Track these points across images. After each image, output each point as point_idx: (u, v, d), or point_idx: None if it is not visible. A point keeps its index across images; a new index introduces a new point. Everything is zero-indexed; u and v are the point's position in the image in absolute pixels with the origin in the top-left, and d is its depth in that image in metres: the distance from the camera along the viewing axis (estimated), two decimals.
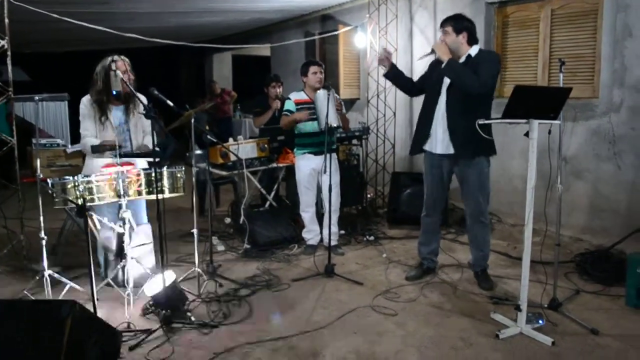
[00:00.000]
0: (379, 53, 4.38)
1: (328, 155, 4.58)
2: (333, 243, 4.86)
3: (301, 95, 4.99)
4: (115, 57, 4.04)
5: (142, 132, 4.24)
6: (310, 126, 4.86)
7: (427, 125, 4.10)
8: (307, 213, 5.09)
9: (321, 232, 5.13)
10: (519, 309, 3.38)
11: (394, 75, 4.33)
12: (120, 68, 3.99)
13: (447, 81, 3.96)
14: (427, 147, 4.16)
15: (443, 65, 3.87)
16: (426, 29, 6.66)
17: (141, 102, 3.81)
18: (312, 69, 4.91)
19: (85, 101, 4.08)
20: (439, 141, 4.06)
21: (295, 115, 4.87)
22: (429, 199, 4.33)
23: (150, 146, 3.71)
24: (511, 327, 3.42)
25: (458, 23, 3.93)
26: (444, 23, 3.99)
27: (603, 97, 4.91)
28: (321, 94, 4.55)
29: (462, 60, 3.94)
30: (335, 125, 4.64)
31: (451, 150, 4.01)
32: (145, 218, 4.39)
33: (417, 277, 4.38)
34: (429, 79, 4.17)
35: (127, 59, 4.08)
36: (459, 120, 3.91)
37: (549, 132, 3.64)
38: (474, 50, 3.95)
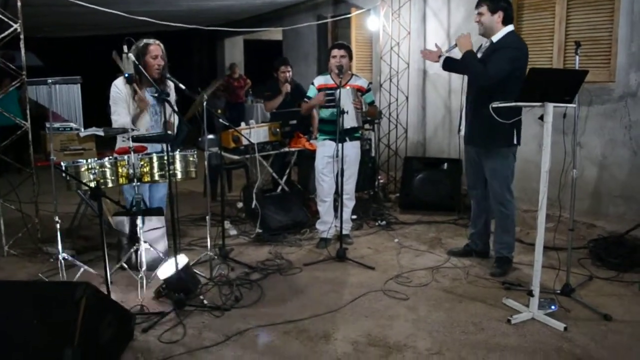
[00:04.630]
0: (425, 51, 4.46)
1: (348, 144, 4.65)
2: (345, 232, 4.81)
3: (326, 80, 4.84)
4: (150, 41, 4.04)
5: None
6: (330, 113, 4.72)
7: (463, 110, 4.21)
8: (324, 203, 4.91)
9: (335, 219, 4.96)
10: (532, 294, 3.37)
11: (451, 66, 4.32)
12: (153, 52, 4.01)
13: None
14: (460, 132, 4.28)
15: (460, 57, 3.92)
16: (440, 12, 6.58)
17: (155, 86, 3.81)
18: (333, 52, 4.73)
19: (118, 84, 4.05)
20: (464, 126, 4.20)
21: (312, 100, 4.81)
22: (468, 181, 4.44)
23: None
24: (523, 312, 3.41)
25: (494, 3, 3.89)
26: (479, 3, 3.95)
27: (619, 81, 4.83)
28: (343, 92, 4.46)
29: (487, 44, 3.95)
30: (355, 125, 4.64)
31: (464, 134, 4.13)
32: (164, 202, 4.41)
33: (458, 254, 4.51)
34: None
35: (161, 44, 4.08)
36: (475, 108, 3.95)
37: (564, 116, 3.59)
38: (498, 36, 3.92)
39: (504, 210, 4.13)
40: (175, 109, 3.96)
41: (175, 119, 4.18)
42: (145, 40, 4.03)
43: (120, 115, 4.04)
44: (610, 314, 3.39)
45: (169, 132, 3.81)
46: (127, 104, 4.04)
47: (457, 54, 4.07)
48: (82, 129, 4.45)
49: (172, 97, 4.19)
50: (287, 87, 6.03)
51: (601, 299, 3.68)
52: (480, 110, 3.76)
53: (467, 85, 4.13)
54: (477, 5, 3.99)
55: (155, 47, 4.04)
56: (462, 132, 4.24)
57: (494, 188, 4.11)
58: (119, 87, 4.05)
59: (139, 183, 3.81)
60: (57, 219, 3.94)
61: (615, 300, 3.68)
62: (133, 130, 3.81)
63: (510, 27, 3.94)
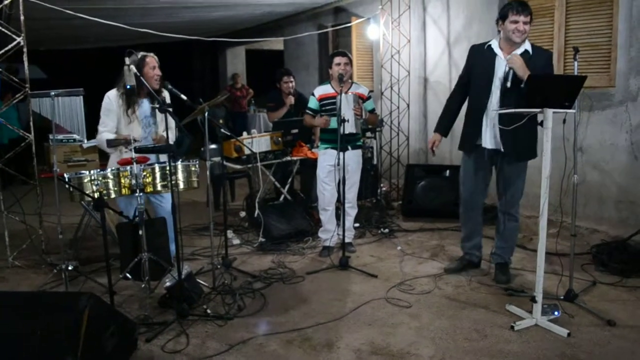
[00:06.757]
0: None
1: (350, 152, 4.64)
2: (347, 240, 4.82)
3: (327, 89, 4.82)
4: (146, 53, 4.11)
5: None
6: (333, 122, 4.67)
7: (478, 120, 3.96)
8: (326, 212, 4.88)
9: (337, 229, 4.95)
10: (535, 300, 3.36)
11: (449, 128, 4.30)
12: (151, 63, 4.07)
13: (499, 76, 3.82)
14: (479, 142, 4.02)
15: (523, 83, 3.65)
16: (439, 20, 6.62)
17: (156, 97, 3.85)
18: (336, 60, 4.71)
19: (111, 95, 4.10)
20: (490, 137, 3.94)
21: (316, 122, 4.80)
22: (469, 193, 4.22)
23: (171, 141, 3.76)
24: (526, 318, 3.41)
25: (531, 14, 3.81)
26: (525, 11, 3.75)
27: (619, 86, 4.84)
28: (344, 98, 4.46)
29: (519, 51, 3.80)
30: (353, 132, 4.62)
31: (502, 148, 3.90)
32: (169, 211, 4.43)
33: (457, 270, 4.34)
34: (474, 71, 4.02)
35: (156, 57, 4.15)
36: (511, 121, 3.67)
37: (564, 122, 3.60)
38: (528, 45, 3.85)
39: (515, 215, 4.11)
40: (177, 119, 3.99)
41: (171, 132, 4.20)
42: (142, 53, 4.09)
43: (106, 127, 4.08)
44: (614, 319, 3.38)
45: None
46: (118, 117, 4.09)
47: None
48: (85, 141, 4.49)
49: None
50: (292, 99, 6.04)
51: (605, 304, 3.67)
52: (525, 122, 3.53)
53: (500, 97, 3.84)
54: (524, 13, 3.75)
55: (151, 59, 4.11)
56: (485, 144, 3.98)
57: (508, 195, 4.05)
58: (110, 98, 4.10)
59: (141, 194, 3.82)
60: (60, 229, 3.97)
61: (619, 305, 3.67)
62: (135, 141, 3.84)
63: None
